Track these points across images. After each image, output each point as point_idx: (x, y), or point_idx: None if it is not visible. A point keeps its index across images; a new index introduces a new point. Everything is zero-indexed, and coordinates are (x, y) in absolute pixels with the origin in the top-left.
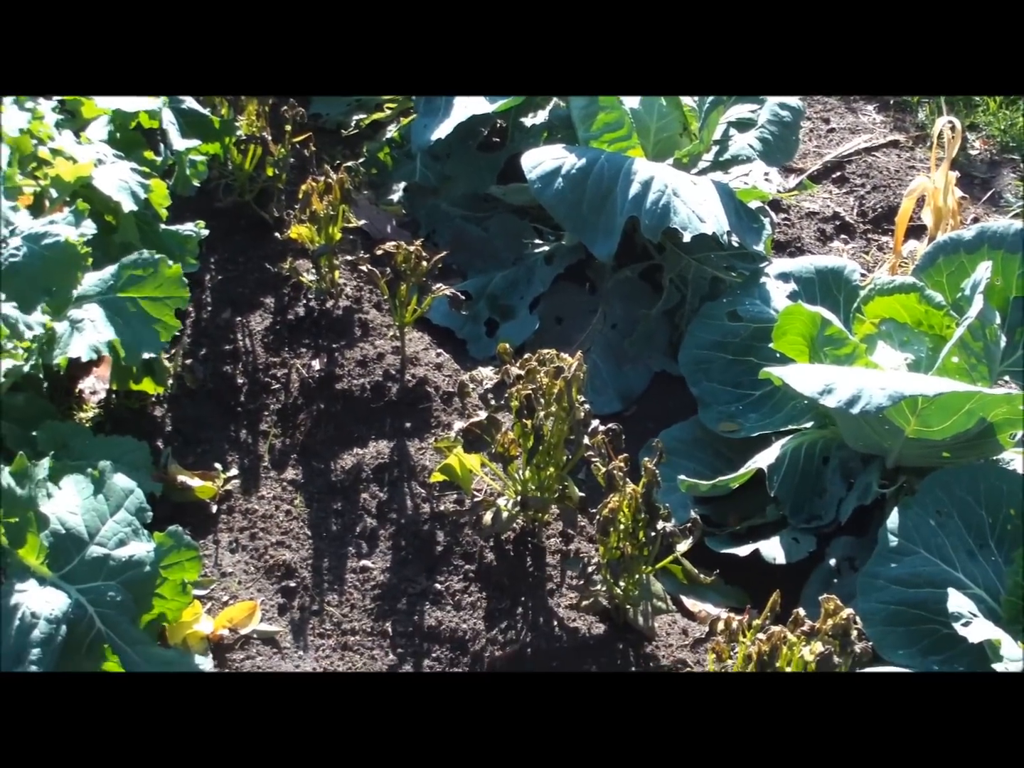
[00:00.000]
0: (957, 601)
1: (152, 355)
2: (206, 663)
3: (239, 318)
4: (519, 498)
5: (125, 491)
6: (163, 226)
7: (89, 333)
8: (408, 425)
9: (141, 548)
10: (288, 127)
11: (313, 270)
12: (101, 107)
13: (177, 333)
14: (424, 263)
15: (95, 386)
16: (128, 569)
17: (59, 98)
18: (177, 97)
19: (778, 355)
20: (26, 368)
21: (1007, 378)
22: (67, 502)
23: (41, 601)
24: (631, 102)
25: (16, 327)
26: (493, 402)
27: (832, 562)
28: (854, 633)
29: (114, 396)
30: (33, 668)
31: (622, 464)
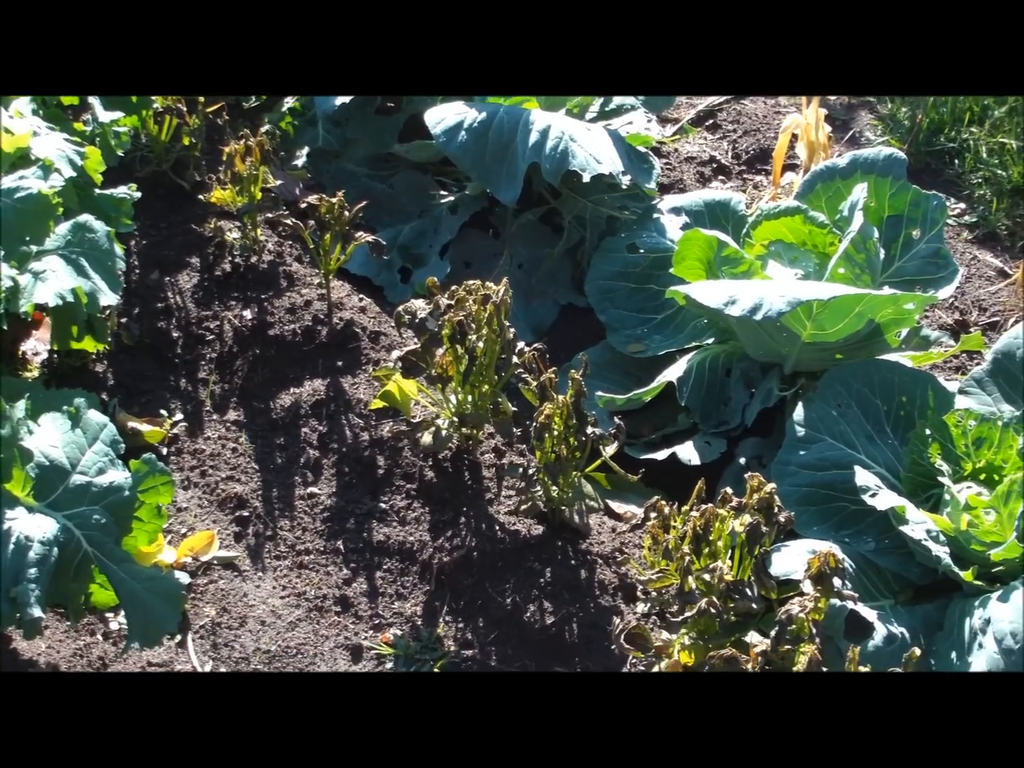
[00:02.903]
0: (864, 476)
1: (109, 304)
2: (184, 578)
3: (167, 278)
4: (456, 417)
5: (100, 425)
6: (97, 191)
7: (53, 282)
8: (340, 364)
9: (119, 475)
10: (201, 99)
11: (236, 229)
12: None
13: None
14: (346, 213)
15: (36, 347)
16: (109, 494)
17: None
18: None
19: (677, 280)
20: None
21: (887, 288)
22: (48, 437)
23: (33, 526)
24: None
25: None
26: (427, 329)
27: (742, 461)
28: (776, 505)
29: (56, 356)
30: (32, 586)
31: (552, 376)
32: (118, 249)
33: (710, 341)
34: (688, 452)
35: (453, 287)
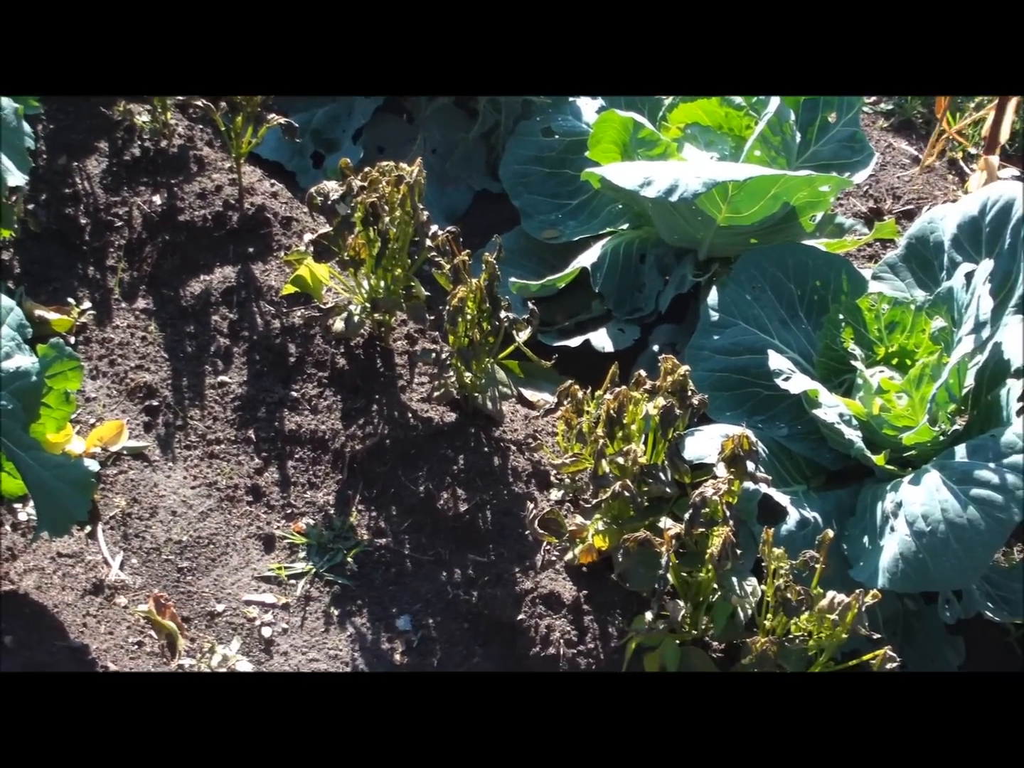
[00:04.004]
0: (776, 360)
1: (18, 184)
2: (94, 465)
3: (75, 163)
4: (368, 302)
5: (7, 309)
6: None
7: None
8: (251, 250)
9: (26, 360)
10: None
11: (145, 113)
12: None
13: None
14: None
15: None
16: (16, 380)
17: None
18: None
19: (592, 164)
20: None
21: (803, 170)
22: None
23: None
24: None
25: None
26: (338, 212)
27: (655, 347)
28: (690, 388)
29: None
30: None
31: (465, 258)
32: (27, 128)
33: (625, 226)
34: (602, 339)
35: (366, 169)
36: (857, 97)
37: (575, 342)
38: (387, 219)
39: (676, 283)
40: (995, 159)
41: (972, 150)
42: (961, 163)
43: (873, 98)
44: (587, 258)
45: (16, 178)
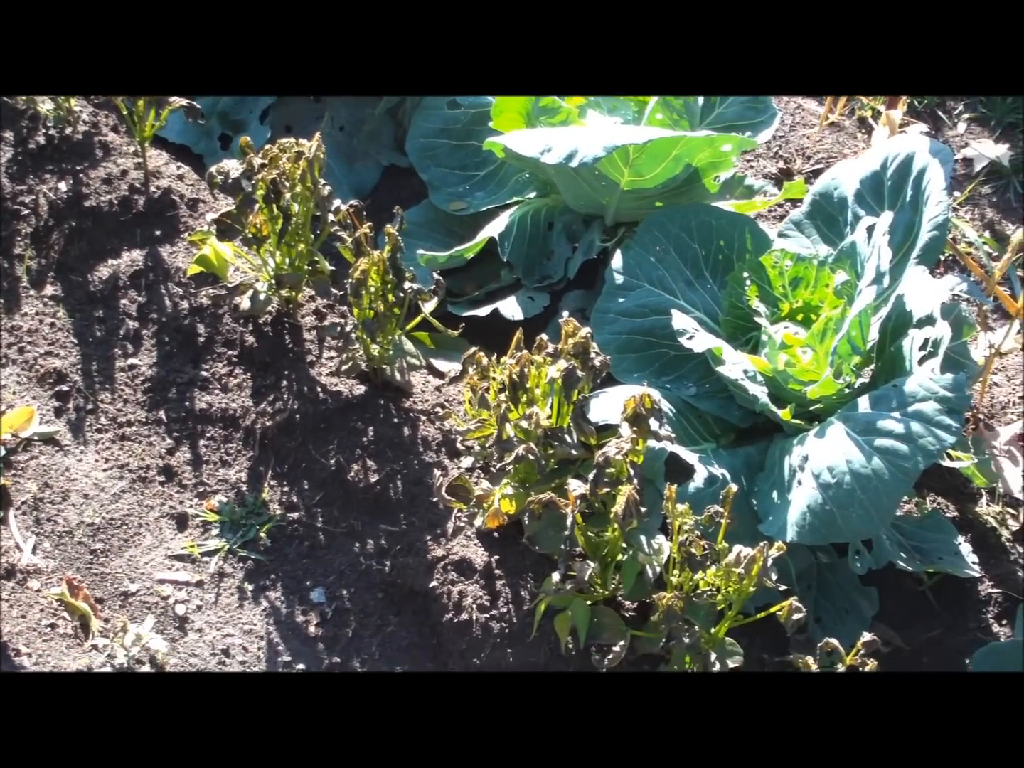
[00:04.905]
0: (680, 319)
1: None
2: None
3: None
4: (274, 279)
5: None
6: None
7: None
8: (158, 233)
9: None
10: None
11: (49, 100)
12: None
13: None
14: None
15: None
16: None
17: None
18: None
19: (498, 134)
20: None
21: (704, 131)
22: None
23: None
24: None
25: None
26: (241, 189)
27: (565, 314)
28: (593, 351)
29: None
30: None
31: (368, 231)
32: None
33: (532, 195)
34: (511, 307)
35: (267, 146)
36: None
37: (484, 311)
38: (288, 195)
39: (584, 249)
40: (897, 114)
41: (881, 108)
42: (870, 121)
43: None
44: (495, 228)
45: None
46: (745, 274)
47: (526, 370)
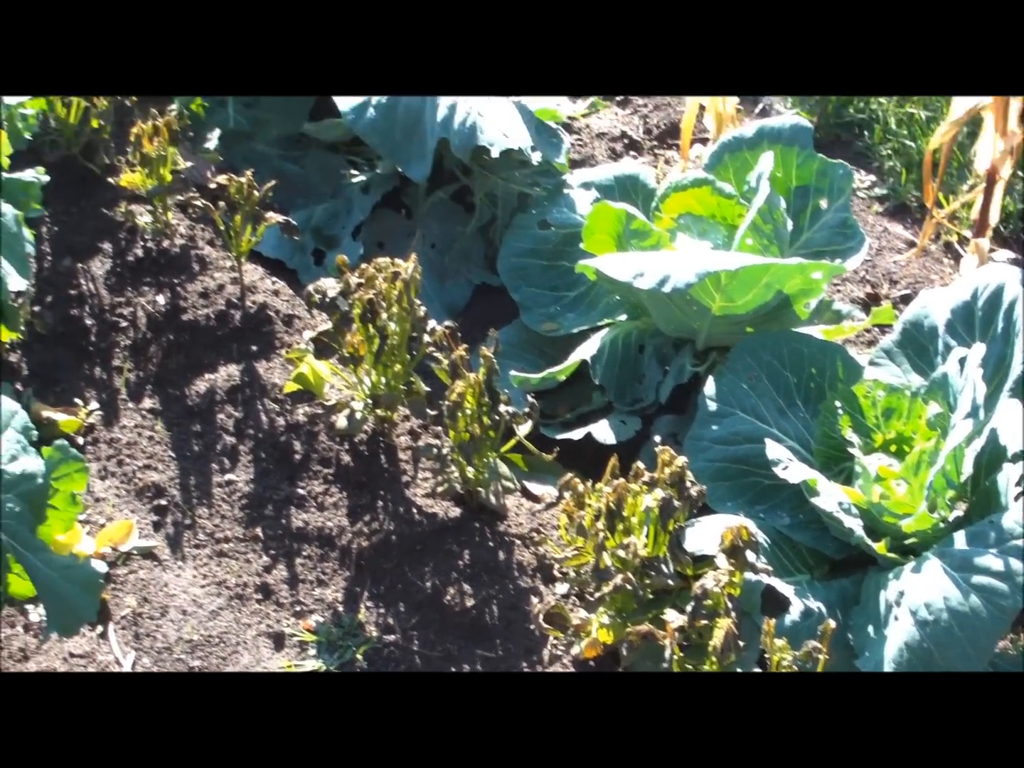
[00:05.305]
0: (775, 449)
1: (19, 289)
2: (101, 566)
3: (80, 264)
4: (370, 398)
5: (10, 412)
6: (5, 175)
7: None
8: (254, 348)
9: (32, 463)
10: None
11: (146, 213)
12: None
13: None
14: (256, 192)
15: None
16: (22, 482)
17: None
18: None
19: (588, 256)
20: None
21: (795, 258)
22: None
23: None
24: None
25: None
26: (337, 309)
27: (657, 438)
28: (688, 480)
29: None
30: None
31: (463, 353)
32: (27, 233)
33: (623, 318)
34: (603, 431)
35: (363, 265)
36: (847, 182)
37: (577, 434)
38: (385, 315)
39: (675, 373)
40: (985, 242)
41: (967, 233)
42: (956, 246)
43: (867, 183)
44: (586, 350)
45: (17, 283)
46: (837, 404)
47: (623, 499)
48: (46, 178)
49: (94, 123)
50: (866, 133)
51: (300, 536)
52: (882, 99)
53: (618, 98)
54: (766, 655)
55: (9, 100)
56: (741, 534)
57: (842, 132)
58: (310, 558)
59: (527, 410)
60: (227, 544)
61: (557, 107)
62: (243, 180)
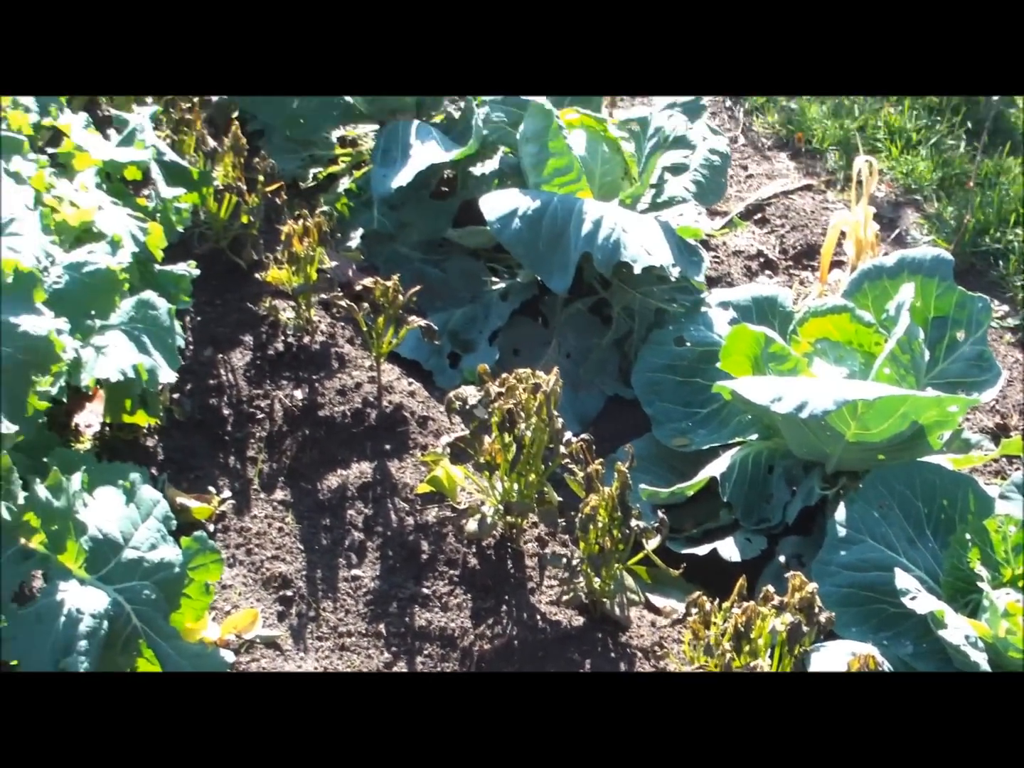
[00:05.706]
0: (904, 579)
1: (168, 381)
2: (229, 656)
3: (221, 355)
4: (502, 504)
5: (153, 501)
6: (158, 267)
7: (114, 357)
8: (388, 447)
9: (171, 551)
10: (261, 177)
11: (289, 309)
12: (94, 158)
13: None
14: (400, 296)
15: (89, 420)
16: (160, 570)
17: (52, 151)
18: (160, 150)
19: (724, 375)
20: (54, 391)
21: (931, 389)
22: (102, 511)
23: (84, 599)
24: (577, 149)
25: (64, 347)
26: (476, 416)
27: (782, 559)
28: (817, 605)
29: (107, 429)
30: (81, 659)
31: (599, 467)
32: (177, 327)
33: (754, 437)
34: (729, 548)
35: (504, 375)
36: (986, 316)
37: (703, 550)
38: (523, 425)
39: (804, 495)
40: None
41: None
42: None
43: (999, 312)
44: (716, 467)
45: (167, 375)
46: (967, 536)
47: (752, 621)
48: (197, 272)
49: (244, 219)
50: (1000, 263)
51: (423, 635)
52: (1018, 229)
53: (756, 216)
54: None
55: (165, 193)
56: (868, 663)
57: (977, 261)
58: (431, 657)
59: (656, 524)
60: (350, 638)
61: (697, 225)
62: (389, 284)
